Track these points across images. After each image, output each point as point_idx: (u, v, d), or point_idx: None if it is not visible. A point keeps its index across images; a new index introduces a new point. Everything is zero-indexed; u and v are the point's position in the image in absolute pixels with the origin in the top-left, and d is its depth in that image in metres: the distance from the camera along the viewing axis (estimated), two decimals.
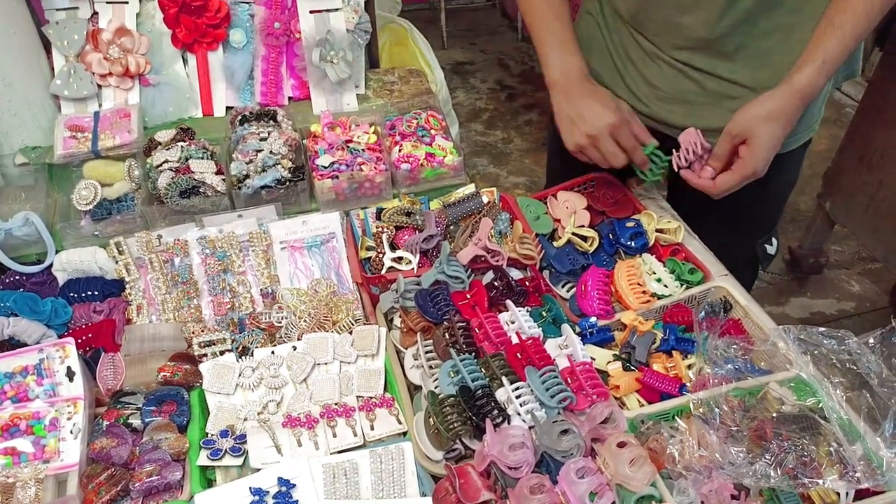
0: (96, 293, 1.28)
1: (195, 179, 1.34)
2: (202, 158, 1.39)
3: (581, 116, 1.28)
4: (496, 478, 0.97)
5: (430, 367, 1.15)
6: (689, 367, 1.18)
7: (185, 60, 1.60)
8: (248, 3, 1.61)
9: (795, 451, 1.02)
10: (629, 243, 1.36)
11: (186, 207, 1.35)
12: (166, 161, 1.37)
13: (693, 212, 1.49)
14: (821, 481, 0.99)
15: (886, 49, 2.25)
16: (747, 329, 1.24)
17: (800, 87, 1.20)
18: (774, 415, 1.06)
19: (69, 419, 1.07)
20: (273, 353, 1.21)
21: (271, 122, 1.48)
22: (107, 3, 1.54)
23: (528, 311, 1.23)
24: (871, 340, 1.12)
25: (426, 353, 1.17)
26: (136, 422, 1.08)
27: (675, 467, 1.01)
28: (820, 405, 1.08)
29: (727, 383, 1.11)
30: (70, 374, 1.12)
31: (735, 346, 1.20)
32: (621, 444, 0.98)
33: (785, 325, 1.17)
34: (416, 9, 4.77)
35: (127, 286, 1.30)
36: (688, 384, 1.14)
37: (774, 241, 1.59)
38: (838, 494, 0.98)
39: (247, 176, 1.38)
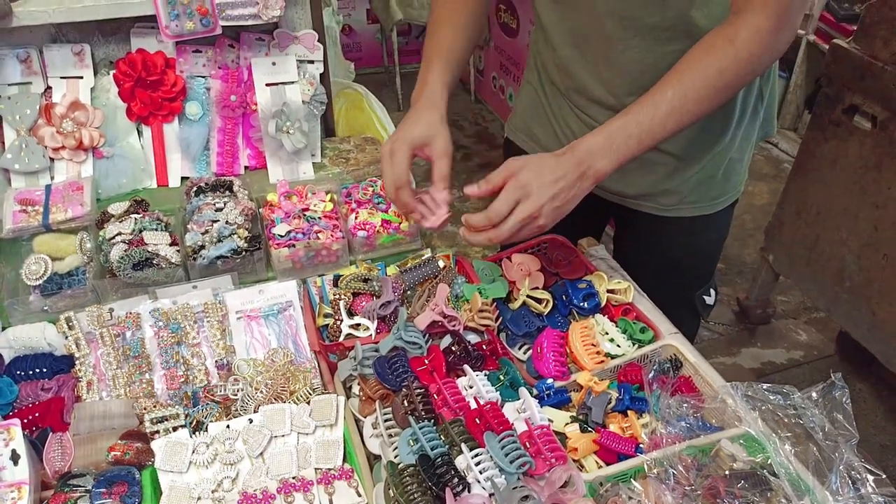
0: (44, 370, 1.24)
1: (149, 251, 1.34)
2: (156, 230, 1.39)
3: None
4: None
5: (390, 436, 1.14)
6: (644, 426, 1.21)
7: (139, 132, 1.61)
8: (204, 76, 1.64)
9: None
10: (582, 304, 1.40)
11: (139, 280, 1.34)
12: (119, 234, 1.36)
13: (633, 265, 1.54)
14: None
15: (814, 112, 2.40)
16: (697, 386, 1.27)
17: (580, 156, 1.16)
18: (727, 472, 1.09)
19: None
20: (228, 426, 1.18)
21: (227, 192, 1.49)
22: (61, 77, 1.55)
23: (485, 374, 1.24)
24: (815, 394, 1.17)
25: (385, 421, 1.17)
26: None
27: None
28: (769, 461, 1.11)
29: (680, 441, 1.14)
30: (15, 458, 1.07)
31: (686, 404, 1.23)
32: None
33: (733, 382, 1.21)
34: (370, 73, 4.90)
35: (77, 362, 1.27)
36: (643, 444, 1.17)
37: (713, 291, 1.65)
38: None
39: (202, 246, 1.38)
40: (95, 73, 1.58)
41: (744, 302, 3.04)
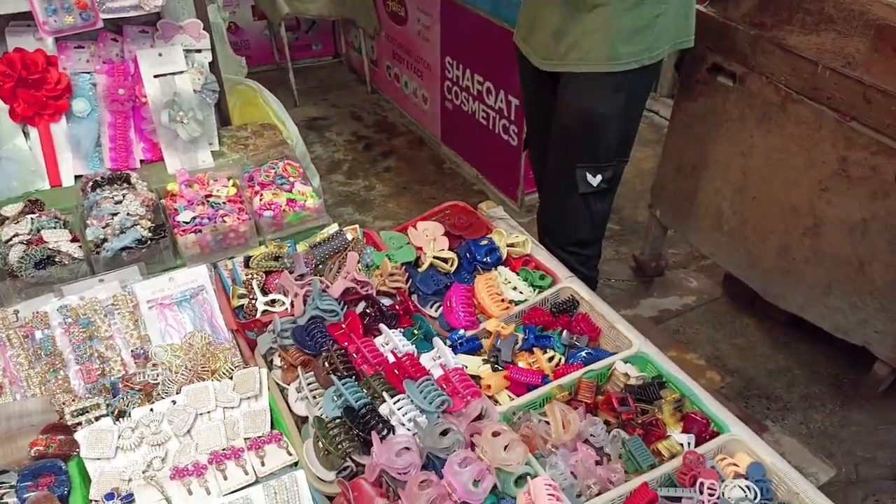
0: None
1: (49, 249, 1.32)
2: (55, 228, 1.37)
3: None
4: (387, 485, 1.04)
5: (314, 397, 1.20)
6: (550, 360, 1.32)
7: (25, 133, 1.57)
8: (89, 72, 1.61)
9: (643, 414, 1.17)
10: (485, 259, 1.49)
11: (43, 279, 1.32)
12: (16, 234, 1.33)
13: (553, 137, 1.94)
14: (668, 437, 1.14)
15: (682, 73, 2.61)
16: (594, 320, 1.40)
17: None
18: (622, 387, 1.22)
19: None
20: (152, 410, 1.20)
21: (125, 184, 1.48)
22: None
23: (400, 332, 1.32)
24: None
25: (308, 384, 1.22)
26: (11, 500, 1.04)
27: (545, 447, 1.12)
28: (659, 375, 1.25)
29: (581, 369, 1.26)
30: None
31: (584, 336, 1.36)
32: (496, 434, 1.08)
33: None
34: (263, 70, 4.83)
35: None
36: (549, 375, 1.28)
37: (599, 176, 1.88)
38: (682, 445, 1.14)
39: (104, 240, 1.38)
40: None
41: (639, 258, 3.25)
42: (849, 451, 2.27)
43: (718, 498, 1.04)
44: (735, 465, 1.11)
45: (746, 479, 1.07)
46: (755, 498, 1.05)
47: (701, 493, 1.05)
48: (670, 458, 1.12)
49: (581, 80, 1.79)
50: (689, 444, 1.14)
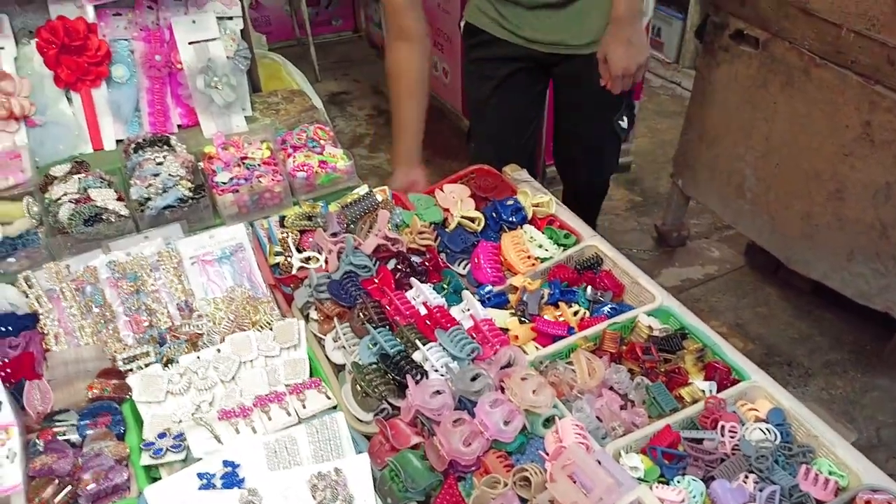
0: (10, 328, 1.28)
1: (97, 207, 1.39)
2: (101, 187, 1.44)
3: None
4: (422, 425, 1.10)
5: (351, 346, 1.26)
6: (575, 314, 1.36)
7: (69, 99, 1.64)
8: (126, 39, 1.67)
9: (665, 363, 1.22)
10: (511, 218, 1.54)
11: (92, 235, 1.39)
12: (65, 193, 1.40)
13: (572, 109, 2.15)
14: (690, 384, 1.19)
15: (704, 41, 2.61)
16: (617, 276, 1.44)
17: (618, 14, 1.77)
18: (645, 338, 1.26)
19: (2, 446, 1.09)
20: (198, 357, 1.27)
21: (165, 147, 1.54)
22: None
23: (430, 286, 1.37)
24: None
25: (344, 334, 1.28)
26: (73, 437, 1.11)
27: (571, 393, 1.17)
28: (681, 327, 1.29)
29: (605, 321, 1.30)
30: None
31: (609, 292, 1.40)
32: (524, 378, 1.13)
33: None
34: (284, 46, 4.86)
35: (41, 317, 1.31)
36: (574, 327, 1.32)
37: (626, 118, 2.12)
38: (703, 391, 1.19)
39: (148, 199, 1.44)
40: (17, 43, 1.59)
41: (661, 228, 3.27)
42: (871, 417, 2.30)
43: (739, 440, 1.09)
44: (755, 409, 1.15)
45: (766, 422, 1.12)
46: (775, 440, 1.09)
47: (722, 435, 1.10)
48: (692, 403, 1.16)
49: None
50: (710, 390, 1.19)
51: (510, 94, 2.10)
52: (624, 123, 2.12)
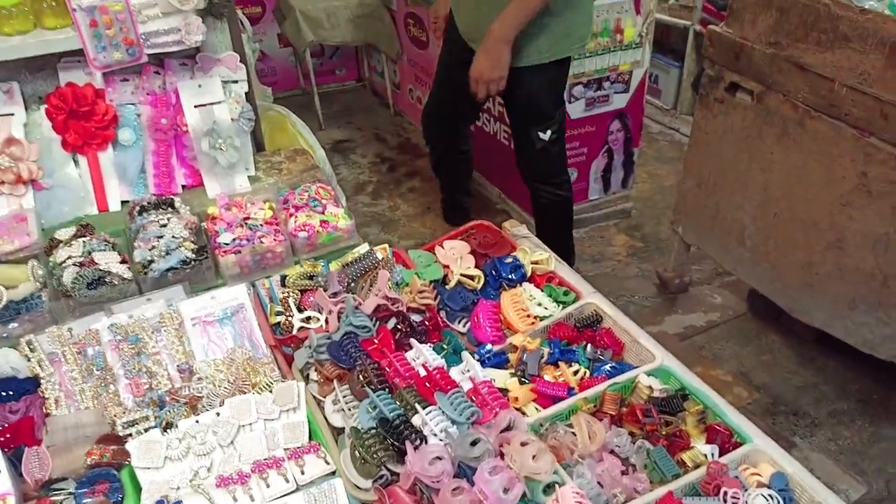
0: (10, 393, 1.29)
1: (100, 270, 1.40)
2: (105, 250, 1.46)
3: None
4: (421, 493, 1.09)
5: (350, 409, 1.26)
6: (575, 373, 1.36)
7: (75, 162, 1.67)
8: (133, 104, 1.71)
9: (666, 426, 1.21)
10: (510, 276, 1.55)
11: (94, 298, 1.41)
12: (69, 257, 1.42)
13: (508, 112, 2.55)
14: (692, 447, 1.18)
15: (700, 92, 2.66)
16: (616, 334, 1.44)
17: (491, 29, 2.13)
18: (645, 400, 1.26)
19: None
20: (197, 421, 1.27)
21: (169, 209, 1.57)
22: None
23: (430, 346, 1.38)
24: None
25: (344, 397, 1.28)
26: None
27: (572, 457, 1.17)
28: (682, 388, 1.29)
29: (605, 381, 1.30)
30: None
31: (608, 351, 1.40)
32: (524, 444, 1.12)
33: None
34: (289, 95, 4.96)
35: (42, 381, 1.32)
36: (575, 387, 1.32)
37: (549, 132, 2.44)
38: (705, 455, 1.18)
39: (151, 261, 1.46)
40: (26, 109, 1.63)
41: (662, 275, 3.27)
42: (880, 468, 2.26)
43: None
44: (758, 474, 1.14)
45: (769, 488, 1.11)
46: None
47: (724, 501, 1.08)
48: (694, 468, 1.15)
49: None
50: (712, 454, 1.18)
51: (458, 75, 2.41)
52: (545, 136, 2.44)
